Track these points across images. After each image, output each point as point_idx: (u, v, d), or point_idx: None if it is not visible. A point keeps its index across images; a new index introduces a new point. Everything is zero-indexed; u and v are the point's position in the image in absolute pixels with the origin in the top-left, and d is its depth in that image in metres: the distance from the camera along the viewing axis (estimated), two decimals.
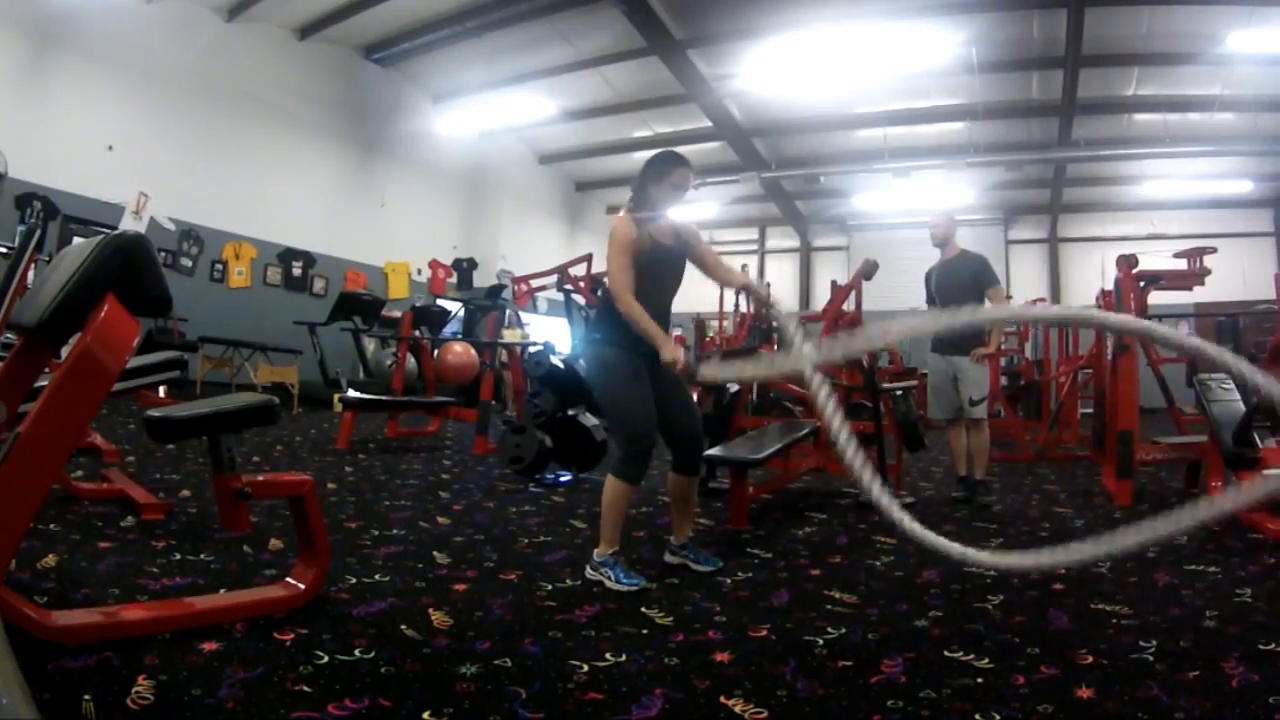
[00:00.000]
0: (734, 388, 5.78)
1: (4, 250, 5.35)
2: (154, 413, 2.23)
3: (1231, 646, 2.14)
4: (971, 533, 3.85)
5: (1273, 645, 2.15)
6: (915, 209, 13.31)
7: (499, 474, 5.18)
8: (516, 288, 10.04)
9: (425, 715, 1.63)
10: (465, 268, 14.62)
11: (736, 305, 10.62)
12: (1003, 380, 8.76)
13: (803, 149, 14.71)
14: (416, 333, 8.61)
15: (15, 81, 8.70)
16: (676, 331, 10.26)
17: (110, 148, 9.52)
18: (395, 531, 3.36)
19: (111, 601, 2.23)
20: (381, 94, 12.91)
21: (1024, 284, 15.47)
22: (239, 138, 10.96)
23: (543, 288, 9.53)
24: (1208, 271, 5.79)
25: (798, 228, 18.45)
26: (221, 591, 2.36)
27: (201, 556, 2.74)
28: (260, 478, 2.33)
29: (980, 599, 2.65)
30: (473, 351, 9.24)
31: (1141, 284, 5.65)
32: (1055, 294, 15.78)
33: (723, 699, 1.78)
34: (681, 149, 3.17)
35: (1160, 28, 9.84)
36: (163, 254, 9.57)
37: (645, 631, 2.23)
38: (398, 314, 9.17)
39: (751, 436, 4.85)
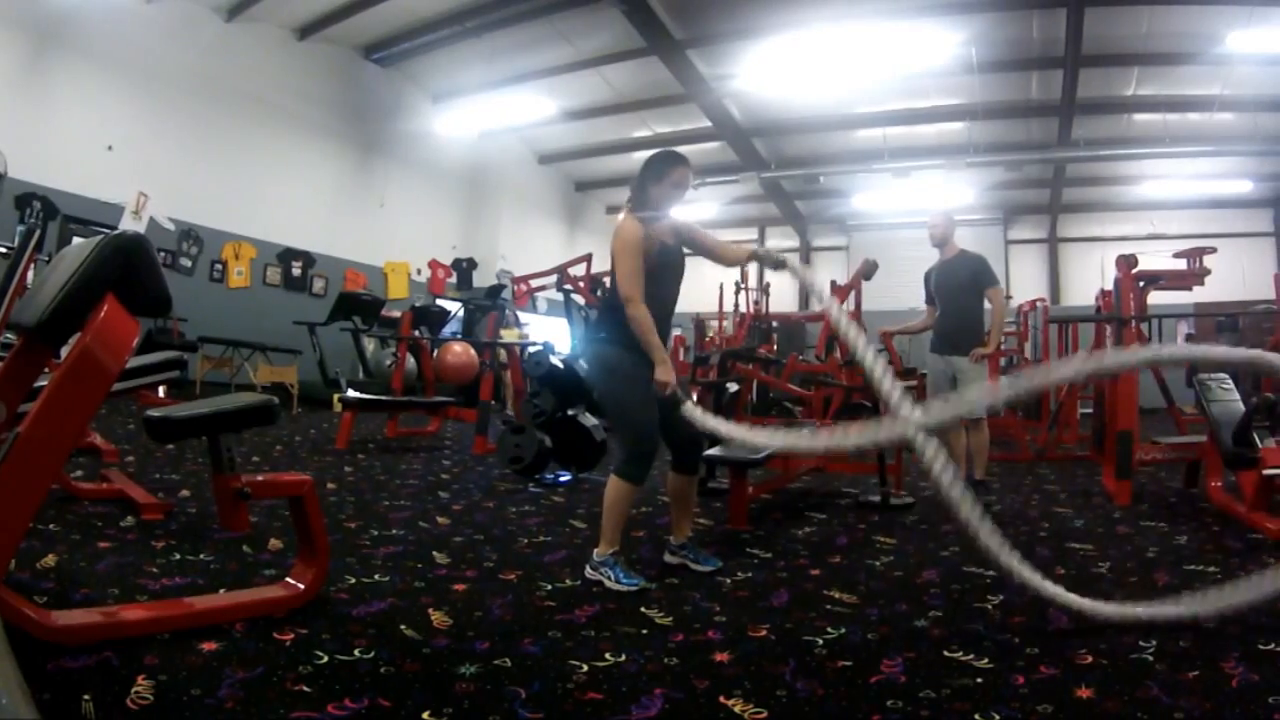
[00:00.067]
0: (734, 387, 5.79)
1: (3, 250, 5.34)
2: (153, 413, 2.23)
3: (1231, 646, 2.14)
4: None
5: (1272, 645, 2.15)
6: (915, 209, 13.31)
7: (498, 474, 5.18)
8: (516, 288, 10.04)
9: (425, 715, 1.63)
10: (465, 268, 14.62)
11: (736, 305, 10.63)
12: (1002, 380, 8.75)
13: (802, 149, 14.71)
14: (416, 333, 8.60)
15: (15, 81, 8.69)
16: (676, 331, 10.24)
17: (110, 148, 9.52)
18: (395, 531, 3.36)
19: (111, 601, 2.23)
20: (381, 94, 12.91)
21: (1023, 284, 15.47)
22: (239, 138, 10.96)
23: (542, 288, 9.54)
24: (1207, 271, 5.80)
25: (797, 228, 18.45)
26: (221, 591, 2.36)
27: (201, 556, 2.74)
28: (260, 478, 2.33)
29: (980, 599, 2.65)
30: (472, 351, 9.24)
31: (1141, 284, 5.66)
32: (1055, 294, 15.77)
33: (722, 699, 1.78)
34: (681, 149, 3.17)
35: (1160, 28, 9.84)
36: (162, 254, 9.52)
37: (645, 631, 2.23)
38: (397, 314, 9.15)
39: None
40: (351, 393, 6.59)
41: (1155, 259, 6.40)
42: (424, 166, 13.92)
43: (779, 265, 3.00)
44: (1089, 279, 14.09)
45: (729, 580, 2.83)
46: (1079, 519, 4.23)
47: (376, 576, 2.64)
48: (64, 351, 1.89)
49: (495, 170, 15.15)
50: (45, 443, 1.74)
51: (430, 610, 2.31)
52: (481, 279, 14.25)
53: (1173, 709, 1.75)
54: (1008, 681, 1.90)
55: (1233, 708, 1.77)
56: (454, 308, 11.15)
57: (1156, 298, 6.13)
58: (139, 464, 4.56)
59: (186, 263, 10.45)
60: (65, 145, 9.08)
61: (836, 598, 2.63)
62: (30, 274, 3.88)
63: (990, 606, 2.56)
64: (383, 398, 7.20)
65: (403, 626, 2.16)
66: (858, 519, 4.14)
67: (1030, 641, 2.20)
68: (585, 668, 1.93)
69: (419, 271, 13.93)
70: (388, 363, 9.97)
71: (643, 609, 2.43)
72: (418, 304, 10.71)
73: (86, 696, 1.60)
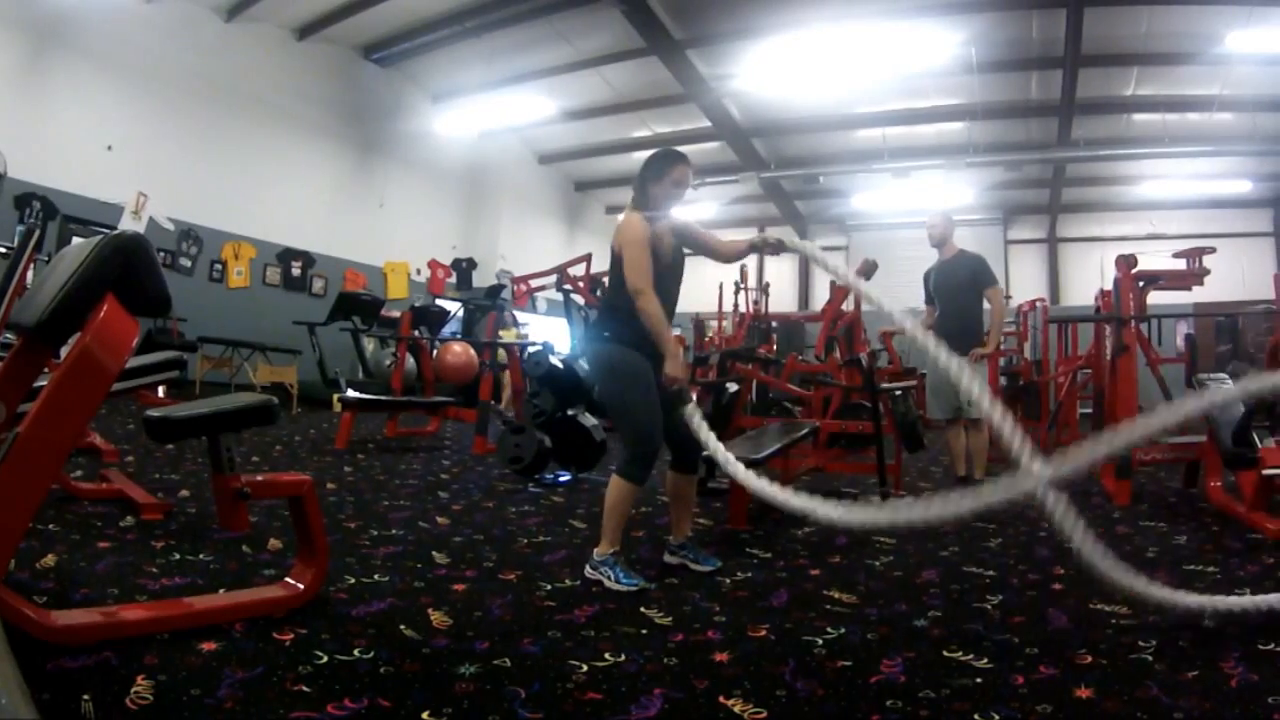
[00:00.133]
0: (733, 387, 5.79)
1: (3, 250, 5.34)
2: (153, 413, 2.23)
3: (1231, 646, 2.14)
4: (971, 532, 3.85)
5: (1272, 645, 2.16)
6: (914, 209, 13.31)
7: (498, 474, 5.18)
8: (516, 288, 10.04)
9: (424, 715, 1.63)
10: (464, 268, 14.62)
11: (735, 305, 10.63)
12: (1002, 380, 8.76)
13: (802, 149, 14.71)
14: (415, 333, 8.60)
15: (15, 81, 8.69)
16: (676, 331, 10.18)
17: (109, 148, 9.52)
18: (394, 531, 3.36)
19: (110, 601, 2.22)
20: (381, 94, 12.91)
21: (1023, 284, 15.47)
22: (238, 138, 10.96)
23: (542, 288, 9.54)
24: (1207, 271, 5.79)
25: (797, 228, 18.41)
26: (220, 591, 2.36)
27: (200, 556, 2.74)
28: (259, 478, 2.33)
29: (979, 599, 2.65)
30: (472, 351, 9.24)
31: (1140, 284, 5.66)
32: (1054, 294, 15.77)
33: (722, 699, 1.78)
34: (681, 149, 3.17)
35: (1159, 28, 9.84)
36: (162, 254, 9.54)
37: (644, 631, 2.23)
38: (397, 314, 9.15)
39: (751, 436, 4.84)
40: (351, 393, 6.59)
41: (1155, 259, 6.38)
42: (424, 166, 13.92)
43: (779, 248, 2.98)
44: (1088, 279, 14.08)
45: (728, 580, 2.83)
46: (1078, 519, 4.22)
47: (376, 576, 2.64)
48: (64, 351, 1.89)
49: (495, 170, 15.15)
50: (45, 443, 1.74)
51: (430, 610, 2.31)
52: (481, 279, 14.25)
53: (1172, 709, 1.75)
54: (1007, 681, 1.90)
55: (1232, 708, 1.77)
56: (453, 308, 11.15)
57: (1156, 298, 6.12)
58: (138, 464, 4.56)
59: (186, 263, 10.44)
60: (65, 145, 9.07)
61: (836, 598, 2.63)
62: (30, 274, 3.88)
63: (990, 606, 2.56)
64: (382, 398, 7.20)
65: (402, 626, 2.16)
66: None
67: (1030, 641, 2.20)
68: (585, 668, 1.93)
69: (418, 271, 13.92)
70: (387, 363, 9.97)
71: (642, 609, 2.43)
72: (417, 304, 10.71)
73: (86, 696, 1.60)
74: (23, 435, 1.70)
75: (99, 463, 4.28)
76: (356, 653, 1.94)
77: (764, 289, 11.54)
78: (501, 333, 9.42)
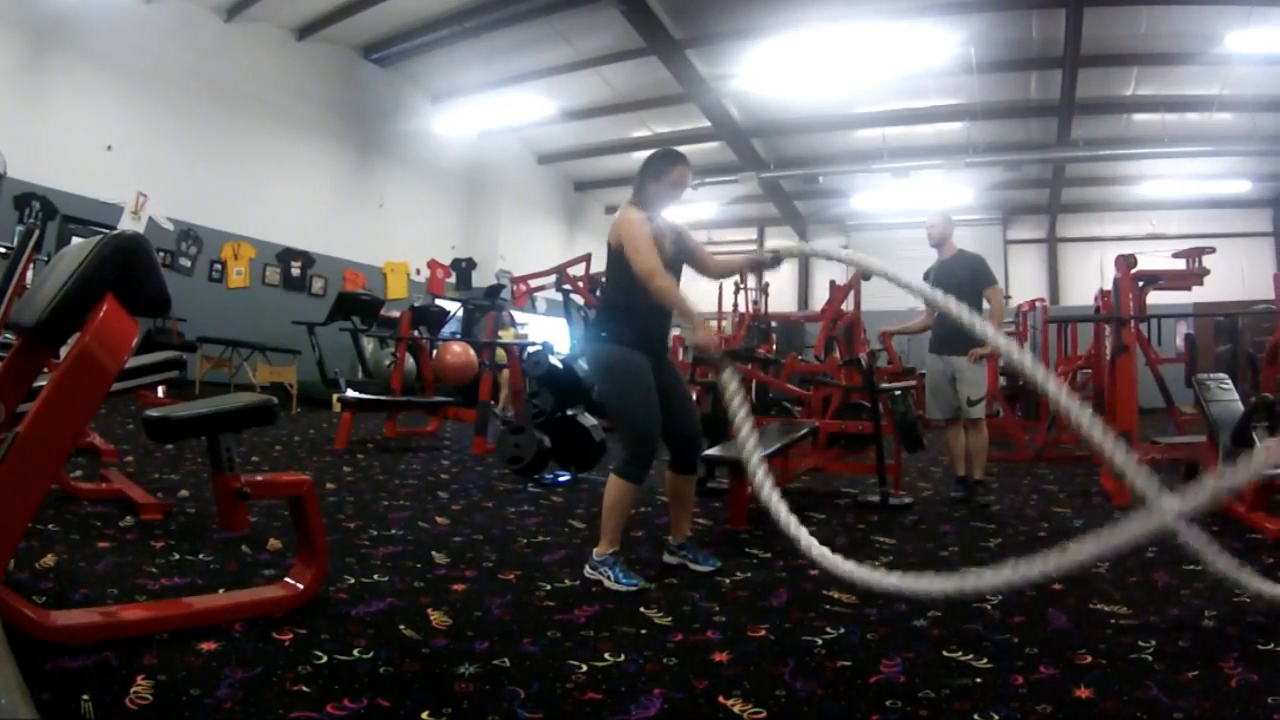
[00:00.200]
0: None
1: (3, 250, 5.34)
2: (153, 413, 2.23)
3: (1230, 646, 2.14)
4: (970, 532, 3.85)
5: (1271, 645, 2.16)
6: (914, 209, 13.30)
7: (498, 474, 5.18)
8: (515, 288, 10.04)
9: (424, 715, 1.63)
10: (464, 268, 14.62)
11: (735, 305, 10.62)
12: (1001, 380, 8.76)
13: (801, 149, 14.71)
14: (415, 333, 8.60)
15: (14, 81, 8.69)
16: (675, 331, 10.26)
17: (109, 148, 9.52)
18: (394, 531, 3.36)
19: (110, 601, 2.22)
20: (380, 94, 12.91)
21: (1023, 284, 15.48)
22: (238, 138, 10.96)
23: (541, 288, 9.54)
24: (1206, 271, 5.80)
25: (796, 228, 18.45)
26: (220, 591, 2.36)
27: (200, 556, 2.74)
28: (259, 478, 2.33)
29: (979, 599, 2.65)
30: (471, 352, 9.24)
31: (1140, 284, 5.66)
32: (1054, 294, 15.78)
33: (721, 699, 1.78)
34: (680, 149, 3.17)
35: (1159, 28, 9.85)
36: (161, 254, 9.56)
37: (644, 631, 2.23)
38: (396, 314, 9.15)
39: None
40: (350, 393, 6.59)
41: (1154, 259, 6.40)
42: (423, 166, 13.92)
43: (777, 261, 2.98)
44: (1088, 279, 14.10)
45: (728, 580, 2.83)
46: (1078, 519, 4.24)
47: (375, 576, 2.64)
48: (63, 351, 1.89)
49: (494, 170, 15.15)
50: (44, 443, 1.73)
51: (429, 610, 2.31)
52: (481, 279, 14.25)
53: (1172, 709, 1.75)
54: (1007, 681, 1.90)
55: (1232, 708, 1.77)
56: (453, 308, 11.15)
57: (1155, 298, 6.13)
58: (138, 464, 4.56)
59: (185, 263, 10.44)
60: (64, 145, 9.08)
61: (835, 598, 2.63)
62: (29, 274, 3.88)
63: (989, 607, 2.56)
64: (382, 398, 7.20)
65: (402, 626, 2.16)
66: (857, 519, 4.14)
67: (1029, 641, 2.20)
68: (584, 668, 1.93)
69: (418, 271, 13.93)
70: (387, 363, 9.97)
71: (642, 609, 2.43)
72: (417, 304, 10.72)
73: (85, 696, 1.60)
74: (22, 435, 1.70)
75: (99, 463, 4.28)
76: (356, 653, 1.94)
77: (764, 289, 11.54)
78: (500, 333, 9.42)
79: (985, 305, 4.85)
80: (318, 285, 12.07)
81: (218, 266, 10.86)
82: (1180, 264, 5.91)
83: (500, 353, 8.28)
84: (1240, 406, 4.06)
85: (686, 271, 3.08)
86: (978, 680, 1.91)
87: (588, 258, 8.64)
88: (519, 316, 11.88)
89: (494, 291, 11.42)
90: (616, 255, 2.86)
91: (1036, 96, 12.04)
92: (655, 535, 3.46)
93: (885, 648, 2.14)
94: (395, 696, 1.71)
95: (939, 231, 4.95)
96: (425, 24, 11.35)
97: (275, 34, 11.37)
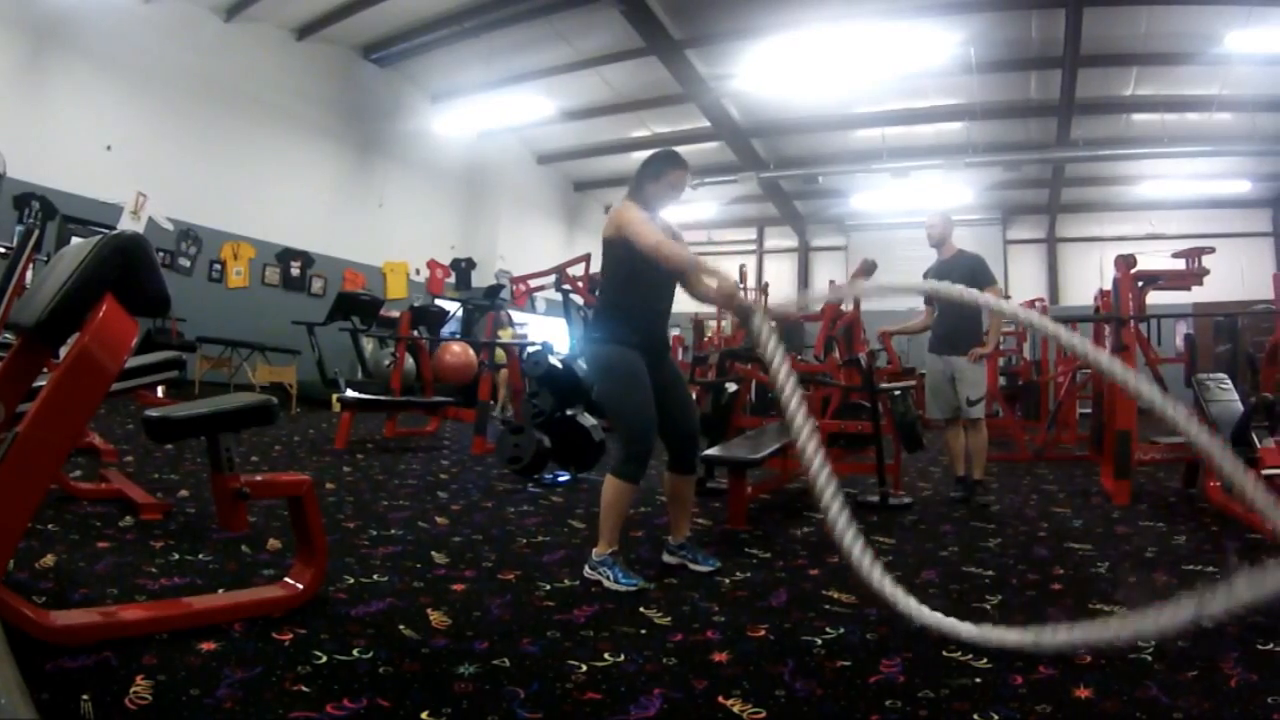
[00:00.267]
0: (732, 387, 5.79)
1: (2, 250, 5.34)
2: (152, 413, 2.23)
3: (1230, 646, 2.14)
4: (970, 532, 3.85)
5: (1271, 645, 2.16)
6: (913, 209, 13.31)
7: (497, 474, 5.18)
8: (515, 288, 10.04)
9: (423, 715, 1.63)
10: (463, 268, 14.62)
11: None
12: (1001, 380, 8.77)
13: (801, 149, 14.72)
14: (415, 333, 8.60)
15: (14, 81, 8.68)
16: (675, 331, 10.20)
17: (109, 148, 9.52)
18: (393, 531, 3.36)
19: (110, 601, 2.22)
20: (380, 94, 12.91)
21: (1022, 284, 15.49)
22: (237, 138, 10.96)
23: (541, 288, 9.53)
24: (1206, 271, 5.79)
25: (796, 228, 18.46)
26: (220, 591, 2.36)
27: (200, 556, 2.74)
28: (258, 478, 2.33)
29: (979, 599, 2.65)
30: (471, 352, 9.24)
31: (1140, 284, 5.66)
32: (1054, 294, 15.78)
33: (721, 699, 1.78)
34: (680, 149, 3.17)
35: (1159, 28, 9.85)
36: (161, 254, 9.56)
37: (643, 631, 2.23)
38: (396, 314, 9.16)
39: (750, 436, 4.85)
40: (350, 393, 6.59)
41: (1154, 259, 6.39)
42: (423, 166, 13.92)
43: (746, 316, 2.59)
44: (1088, 279, 14.10)
45: (728, 580, 2.83)
46: (1077, 519, 4.24)
47: (375, 576, 2.64)
48: (63, 351, 1.89)
49: (494, 170, 15.15)
50: (44, 442, 1.73)
51: (429, 610, 2.31)
52: (480, 279, 14.25)
53: (1171, 709, 1.75)
54: (1006, 681, 1.90)
55: (1231, 708, 1.77)
56: (452, 308, 11.16)
57: (1155, 298, 6.13)
58: (138, 464, 4.56)
59: (185, 263, 10.44)
60: (64, 145, 9.07)
61: (835, 597, 2.63)
62: (29, 274, 3.88)
63: (989, 607, 2.56)
64: (381, 398, 7.20)
65: (401, 626, 2.16)
66: (856, 519, 4.13)
67: None
68: (584, 668, 1.93)
69: (417, 271, 13.93)
70: (386, 363, 9.96)
71: (641, 609, 2.43)
72: (416, 304, 10.72)
73: (85, 696, 1.60)
74: (22, 435, 1.70)
75: (98, 463, 4.28)
76: (355, 653, 1.94)
77: (763, 289, 11.54)
78: (499, 332, 9.42)
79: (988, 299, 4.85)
80: (317, 285, 12.07)
81: (217, 266, 10.86)
82: (1180, 264, 5.91)
83: (499, 353, 8.28)
84: (1240, 406, 4.07)
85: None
86: (977, 680, 1.91)
87: (587, 258, 8.63)
88: (519, 316, 11.89)
89: (493, 291, 11.43)
90: (613, 249, 2.87)
91: (1036, 96, 12.04)
92: (655, 535, 3.46)
93: (885, 648, 2.14)
94: (395, 696, 1.71)
95: (939, 231, 4.95)
96: (425, 24, 11.35)
97: (275, 34, 11.36)
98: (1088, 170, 14.53)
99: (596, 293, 7.50)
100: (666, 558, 3.00)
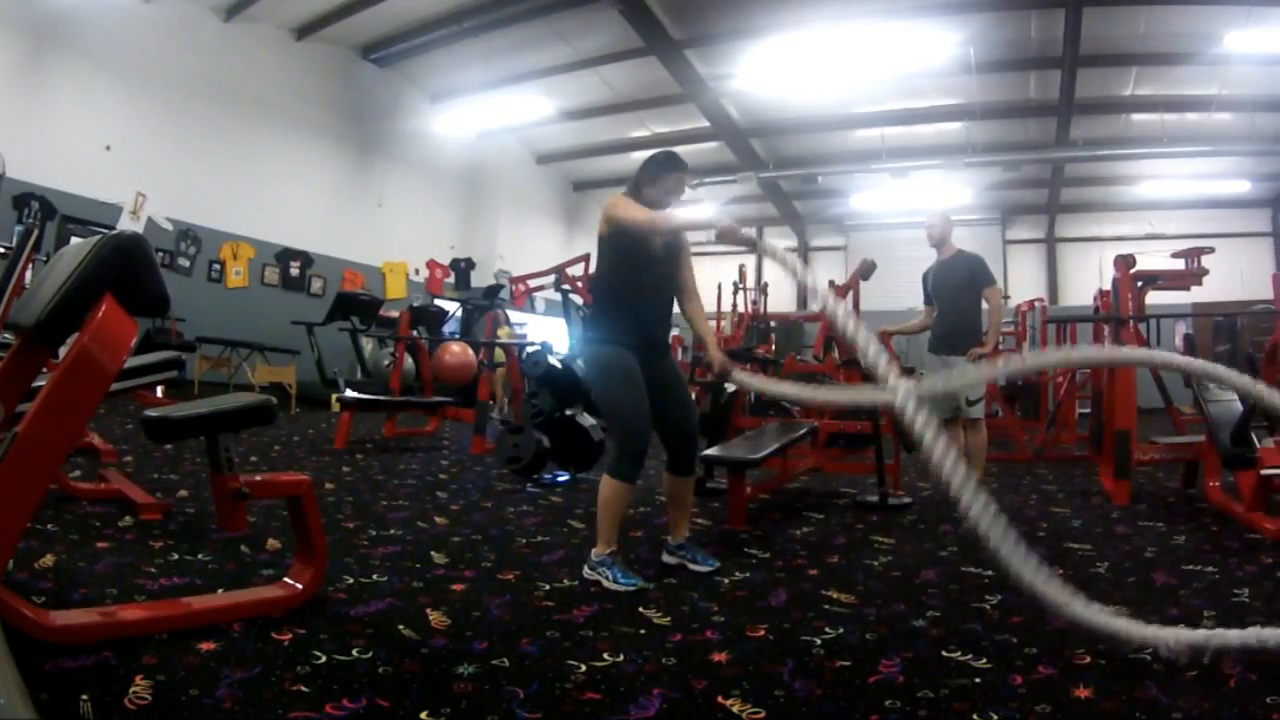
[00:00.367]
0: (731, 387, 5.79)
1: (2, 250, 5.33)
2: (152, 413, 2.23)
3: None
4: (969, 532, 3.84)
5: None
6: (913, 209, 13.32)
7: (496, 474, 5.18)
8: (514, 288, 10.04)
9: (423, 715, 1.63)
10: (463, 268, 14.62)
11: (734, 305, 10.63)
12: (1000, 380, 8.76)
13: (800, 149, 14.72)
14: (414, 333, 8.60)
15: (13, 81, 8.68)
16: (674, 331, 10.25)
17: (108, 148, 9.52)
18: (393, 531, 3.35)
19: (109, 601, 2.22)
20: (379, 94, 12.91)
21: (1022, 284, 15.49)
22: (237, 138, 10.96)
23: (540, 288, 9.54)
24: (1205, 271, 5.80)
25: (795, 228, 18.46)
26: (219, 591, 2.36)
27: (199, 556, 2.74)
28: (258, 478, 2.33)
29: (978, 599, 2.65)
30: (470, 352, 9.23)
31: (1139, 284, 5.66)
32: (1053, 294, 15.79)
33: (720, 699, 1.78)
34: (679, 149, 3.17)
35: (1158, 28, 9.85)
36: (160, 254, 9.56)
37: (643, 631, 2.23)
38: (395, 314, 9.15)
39: (749, 436, 4.85)
40: (349, 393, 6.58)
41: (1153, 259, 6.41)
42: (422, 166, 13.92)
43: (750, 242, 2.70)
44: (1087, 279, 14.10)
45: (727, 580, 2.83)
46: (1077, 519, 4.23)
47: (374, 576, 2.64)
48: (62, 351, 1.89)
49: (493, 170, 15.15)
50: (43, 442, 1.73)
51: (428, 610, 2.31)
52: (480, 279, 14.25)
53: (1171, 709, 1.75)
54: (1006, 681, 1.90)
55: (1231, 708, 1.77)
56: (452, 308, 11.16)
57: (1155, 298, 6.13)
58: (137, 464, 4.56)
59: (184, 263, 10.44)
60: (63, 145, 9.07)
61: (834, 598, 2.63)
62: (28, 274, 3.88)
63: (988, 607, 2.56)
64: (381, 398, 7.20)
65: (401, 626, 2.16)
66: (856, 519, 4.15)
67: (1028, 641, 2.20)
68: (583, 668, 1.93)
69: (417, 271, 13.93)
70: (386, 363, 9.96)
71: (641, 609, 2.43)
72: (416, 304, 10.72)
73: (85, 696, 1.60)
74: (21, 435, 1.70)
75: (97, 463, 4.28)
76: (355, 653, 1.94)
77: (763, 289, 11.54)
78: (497, 332, 9.42)
79: (984, 305, 4.86)
80: (317, 285, 12.07)
81: (216, 266, 10.85)
82: (1179, 264, 5.91)
83: (499, 352, 8.28)
84: (1239, 406, 4.06)
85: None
86: (977, 680, 1.91)
87: (586, 258, 8.63)
88: (518, 316, 11.88)
89: (493, 291, 11.42)
90: (607, 242, 2.87)
91: (1035, 96, 12.05)
92: (654, 535, 3.46)
93: (884, 648, 2.14)
94: (394, 696, 1.71)
95: (938, 232, 4.95)
96: (424, 24, 11.35)
97: (274, 34, 11.36)
98: (1087, 170, 14.53)
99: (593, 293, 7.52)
100: (666, 558, 3.00)
